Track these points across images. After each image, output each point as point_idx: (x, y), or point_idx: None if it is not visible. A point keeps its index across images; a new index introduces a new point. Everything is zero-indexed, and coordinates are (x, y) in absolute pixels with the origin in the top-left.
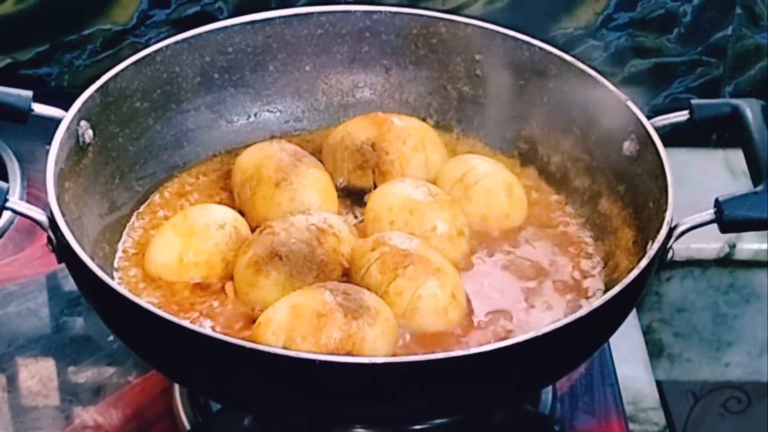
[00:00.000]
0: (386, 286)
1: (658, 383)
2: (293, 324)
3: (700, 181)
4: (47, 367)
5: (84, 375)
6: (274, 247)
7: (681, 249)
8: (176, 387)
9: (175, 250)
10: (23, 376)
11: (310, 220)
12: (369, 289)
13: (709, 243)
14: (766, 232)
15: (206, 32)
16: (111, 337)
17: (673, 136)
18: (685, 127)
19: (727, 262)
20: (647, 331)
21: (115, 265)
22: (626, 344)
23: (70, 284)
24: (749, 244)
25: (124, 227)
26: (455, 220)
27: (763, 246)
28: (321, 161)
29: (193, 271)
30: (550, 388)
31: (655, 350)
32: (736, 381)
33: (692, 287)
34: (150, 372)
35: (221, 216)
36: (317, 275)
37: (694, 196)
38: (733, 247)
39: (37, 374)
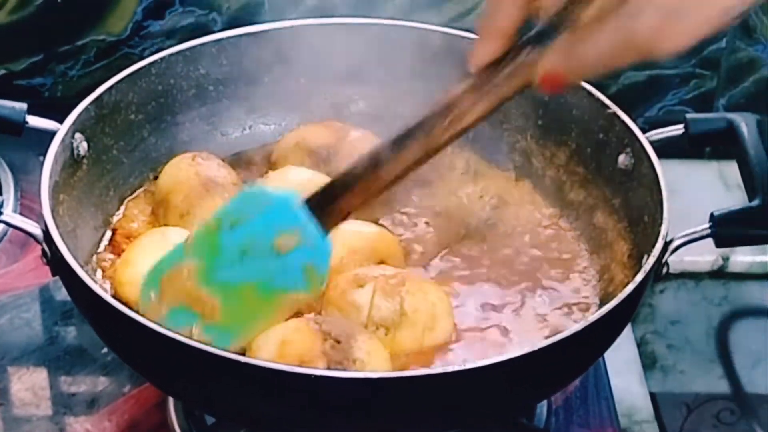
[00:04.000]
0: (401, 309)
1: (652, 395)
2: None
3: (693, 193)
4: (41, 379)
5: (78, 387)
6: None
7: (675, 261)
8: (171, 399)
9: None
10: (16, 388)
11: None
12: (383, 324)
13: (703, 255)
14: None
15: (201, 44)
16: (105, 349)
17: (667, 148)
18: (680, 141)
19: (720, 274)
20: (640, 343)
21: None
22: (620, 357)
23: (63, 296)
24: (743, 257)
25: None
26: None
27: (757, 259)
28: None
29: None
30: (544, 402)
31: (648, 362)
32: (729, 393)
33: (686, 299)
34: (144, 384)
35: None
36: None
37: (688, 208)
38: (726, 259)
39: (31, 386)
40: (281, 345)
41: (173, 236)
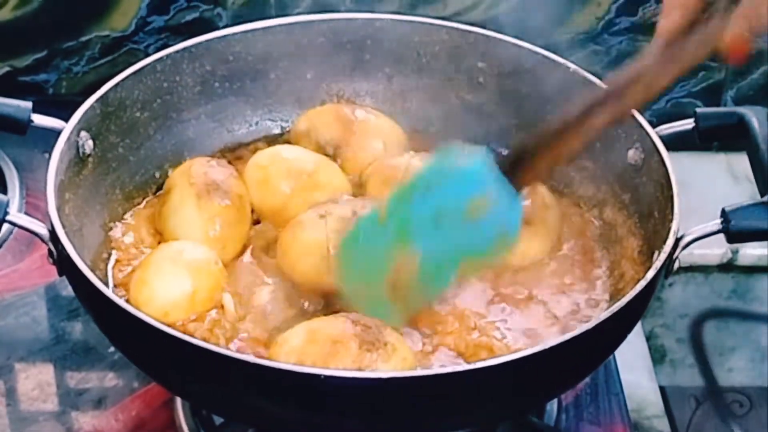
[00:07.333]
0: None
1: (661, 389)
2: (306, 348)
3: (702, 186)
4: (48, 377)
5: (85, 386)
6: None
7: (684, 255)
8: (178, 399)
9: (186, 288)
10: (23, 387)
11: None
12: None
13: (712, 249)
14: None
15: (207, 41)
16: (112, 348)
17: (674, 140)
18: (690, 135)
19: (729, 267)
20: (649, 337)
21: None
22: (630, 352)
23: (70, 293)
24: (752, 250)
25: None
26: None
27: (765, 252)
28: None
29: (200, 307)
30: (554, 399)
31: (657, 356)
32: (738, 386)
33: (695, 293)
34: (152, 383)
35: (207, 252)
36: None
37: (697, 201)
38: (735, 253)
39: (38, 385)
40: (309, 333)
41: (186, 251)
